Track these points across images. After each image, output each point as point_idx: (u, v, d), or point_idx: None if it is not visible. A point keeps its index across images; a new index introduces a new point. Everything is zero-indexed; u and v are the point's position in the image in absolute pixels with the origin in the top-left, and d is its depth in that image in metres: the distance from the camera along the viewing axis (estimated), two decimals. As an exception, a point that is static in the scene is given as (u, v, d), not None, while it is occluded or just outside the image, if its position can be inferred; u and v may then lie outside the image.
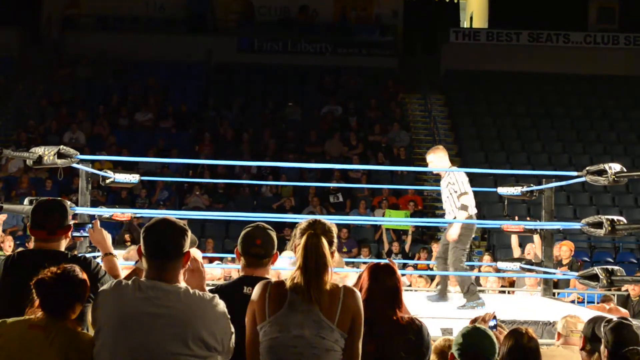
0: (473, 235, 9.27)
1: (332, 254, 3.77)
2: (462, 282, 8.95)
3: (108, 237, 4.86)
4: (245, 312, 3.75)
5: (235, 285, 4.20)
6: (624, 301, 11.03)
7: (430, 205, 20.04)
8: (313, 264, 3.66)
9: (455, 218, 8.97)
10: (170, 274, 3.51)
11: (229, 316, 3.57)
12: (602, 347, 4.50)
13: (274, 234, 4.33)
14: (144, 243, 3.56)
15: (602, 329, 4.55)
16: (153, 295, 3.43)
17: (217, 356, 3.46)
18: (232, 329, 3.57)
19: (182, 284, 3.56)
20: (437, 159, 9.21)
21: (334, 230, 3.86)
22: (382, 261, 4.44)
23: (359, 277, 4.35)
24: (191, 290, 3.51)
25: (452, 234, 8.93)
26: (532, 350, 4.47)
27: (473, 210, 9.05)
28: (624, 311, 9.99)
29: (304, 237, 3.72)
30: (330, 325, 3.61)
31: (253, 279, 4.11)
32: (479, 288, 12.22)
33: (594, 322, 4.97)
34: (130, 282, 3.55)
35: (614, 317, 4.73)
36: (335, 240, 3.86)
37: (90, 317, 3.58)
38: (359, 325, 3.70)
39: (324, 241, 3.71)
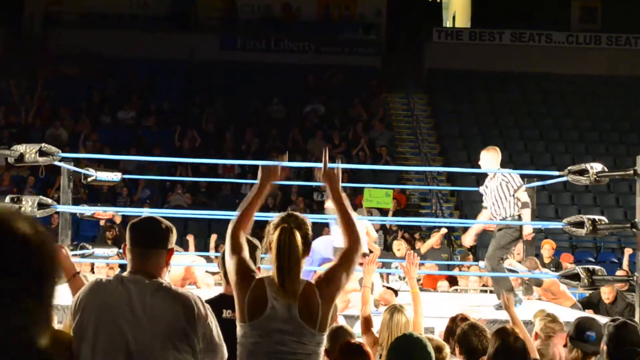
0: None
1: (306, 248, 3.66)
2: (501, 283, 8.84)
3: (69, 257, 4.60)
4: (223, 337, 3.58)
5: (212, 307, 3.63)
6: (596, 302, 10.99)
7: (414, 204, 20.06)
8: (286, 261, 3.56)
9: (515, 217, 8.94)
10: (153, 265, 3.49)
11: (211, 313, 3.53)
12: (602, 345, 4.58)
13: (258, 248, 4.30)
14: (129, 234, 3.53)
15: (605, 327, 4.64)
16: (135, 289, 3.42)
17: (200, 352, 3.45)
18: (218, 330, 3.52)
19: (165, 280, 3.54)
20: (487, 159, 9.16)
21: (308, 223, 3.71)
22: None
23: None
24: (173, 287, 3.50)
25: (528, 230, 8.91)
26: (519, 350, 4.50)
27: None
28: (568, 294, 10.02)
29: (277, 232, 3.61)
30: (311, 332, 3.54)
31: (233, 300, 3.85)
32: (459, 287, 12.28)
33: (580, 321, 5.08)
34: (112, 277, 3.55)
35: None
36: (311, 233, 3.71)
37: (70, 317, 3.53)
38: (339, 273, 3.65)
39: (298, 235, 3.60)
